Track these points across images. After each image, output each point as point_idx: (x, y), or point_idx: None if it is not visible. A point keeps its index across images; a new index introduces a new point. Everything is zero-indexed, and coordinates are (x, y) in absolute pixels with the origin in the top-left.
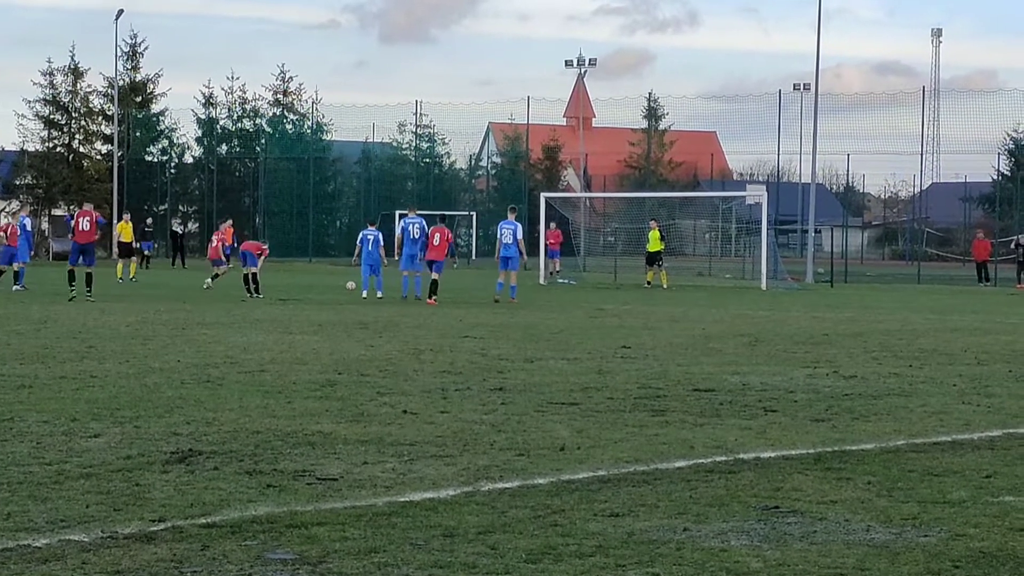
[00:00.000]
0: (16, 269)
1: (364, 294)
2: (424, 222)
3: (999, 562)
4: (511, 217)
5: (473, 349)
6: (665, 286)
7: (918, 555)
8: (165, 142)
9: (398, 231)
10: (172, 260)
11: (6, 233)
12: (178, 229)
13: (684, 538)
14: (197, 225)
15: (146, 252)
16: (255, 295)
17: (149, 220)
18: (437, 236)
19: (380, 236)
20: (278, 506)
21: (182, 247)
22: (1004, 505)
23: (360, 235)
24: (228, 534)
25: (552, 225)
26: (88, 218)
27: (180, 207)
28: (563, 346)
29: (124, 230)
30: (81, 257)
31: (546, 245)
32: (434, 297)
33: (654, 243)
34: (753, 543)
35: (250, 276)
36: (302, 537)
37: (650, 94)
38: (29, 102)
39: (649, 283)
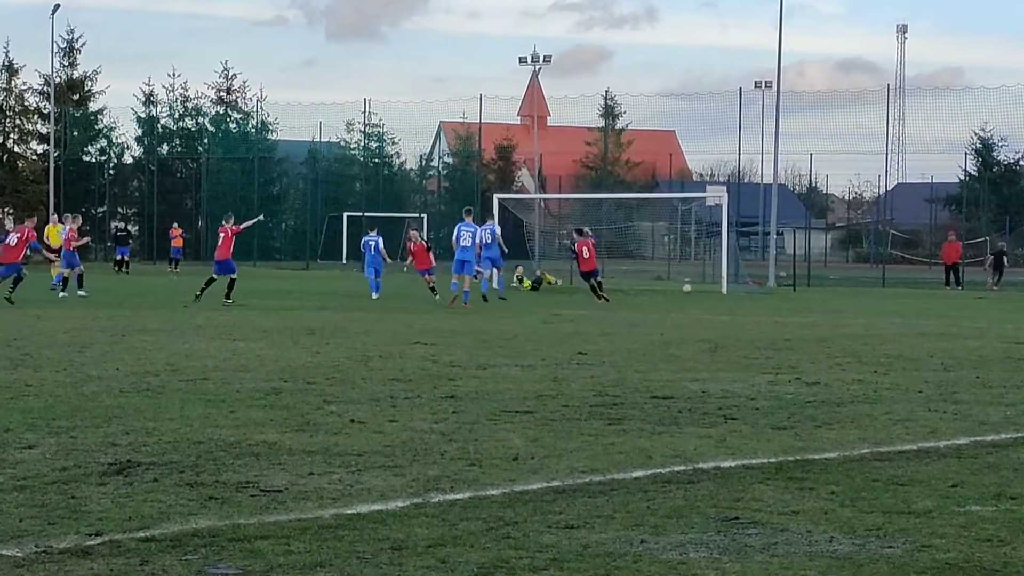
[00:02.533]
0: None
1: (374, 296)
2: (477, 229)
3: (965, 574)
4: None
5: (423, 356)
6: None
7: (882, 567)
8: (103, 142)
9: (453, 237)
10: (115, 264)
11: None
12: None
13: (641, 550)
14: (137, 228)
15: (124, 257)
16: (199, 299)
17: (123, 224)
18: (585, 249)
19: (381, 241)
20: (220, 519)
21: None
22: (971, 515)
23: (362, 241)
24: (168, 548)
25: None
26: None
27: (119, 209)
28: (517, 352)
29: (52, 233)
30: None
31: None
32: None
33: None
34: (712, 555)
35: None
36: (245, 551)
37: (607, 92)
38: None
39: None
